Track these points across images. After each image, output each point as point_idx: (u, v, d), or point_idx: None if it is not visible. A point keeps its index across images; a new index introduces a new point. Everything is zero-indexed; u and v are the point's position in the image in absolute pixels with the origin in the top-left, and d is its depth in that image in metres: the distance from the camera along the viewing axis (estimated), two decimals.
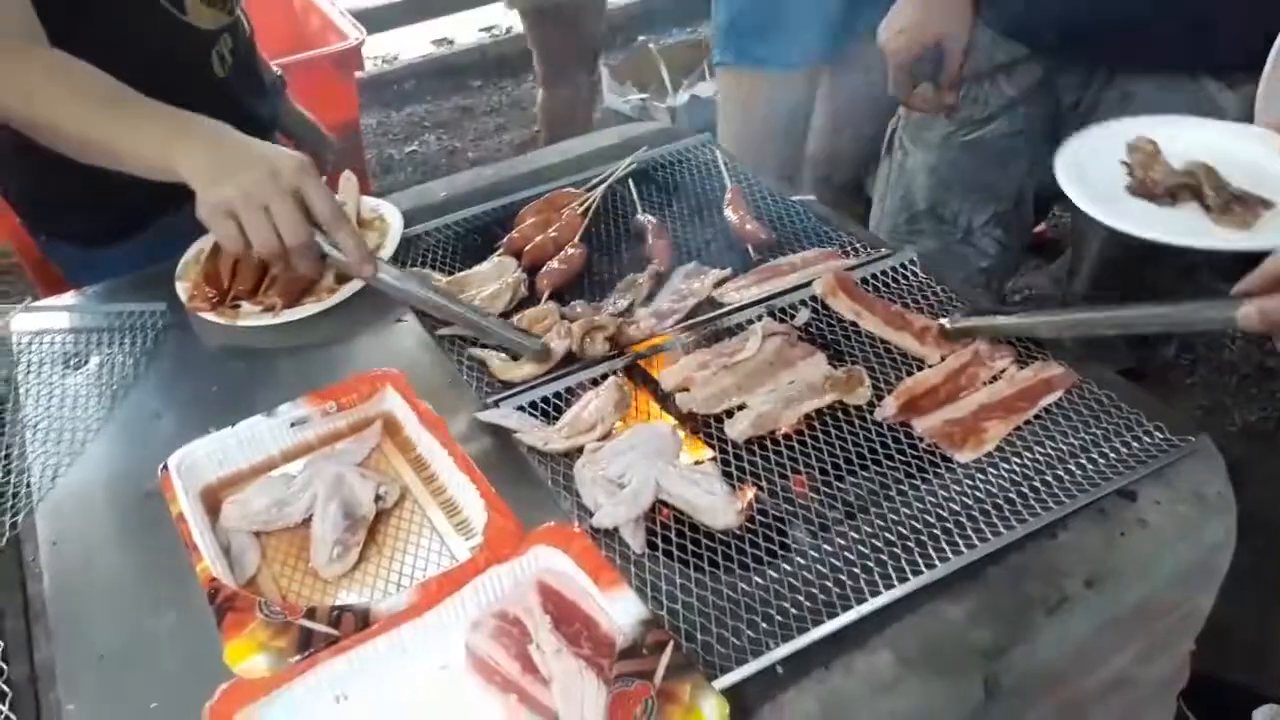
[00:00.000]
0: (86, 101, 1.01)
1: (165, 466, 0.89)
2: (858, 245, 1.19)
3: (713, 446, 0.95)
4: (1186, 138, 1.13)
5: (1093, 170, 1.10)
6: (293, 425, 0.94)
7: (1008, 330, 1.01)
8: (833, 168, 2.08)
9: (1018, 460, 0.88)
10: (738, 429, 0.95)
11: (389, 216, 1.25)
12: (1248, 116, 1.26)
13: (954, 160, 1.52)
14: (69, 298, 1.22)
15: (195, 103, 1.01)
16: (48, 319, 1.17)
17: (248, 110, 1.42)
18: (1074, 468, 0.87)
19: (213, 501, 0.90)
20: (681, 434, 0.97)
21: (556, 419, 0.97)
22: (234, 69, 1.34)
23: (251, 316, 1.12)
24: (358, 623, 0.74)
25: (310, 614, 0.74)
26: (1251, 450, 2.12)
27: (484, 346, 1.06)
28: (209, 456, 0.92)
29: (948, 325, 1.02)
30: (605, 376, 1.02)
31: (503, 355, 1.05)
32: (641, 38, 3.75)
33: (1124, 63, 1.32)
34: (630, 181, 1.34)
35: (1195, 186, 1.07)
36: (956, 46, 1.29)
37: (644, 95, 3.39)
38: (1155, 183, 1.07)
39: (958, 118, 1.46)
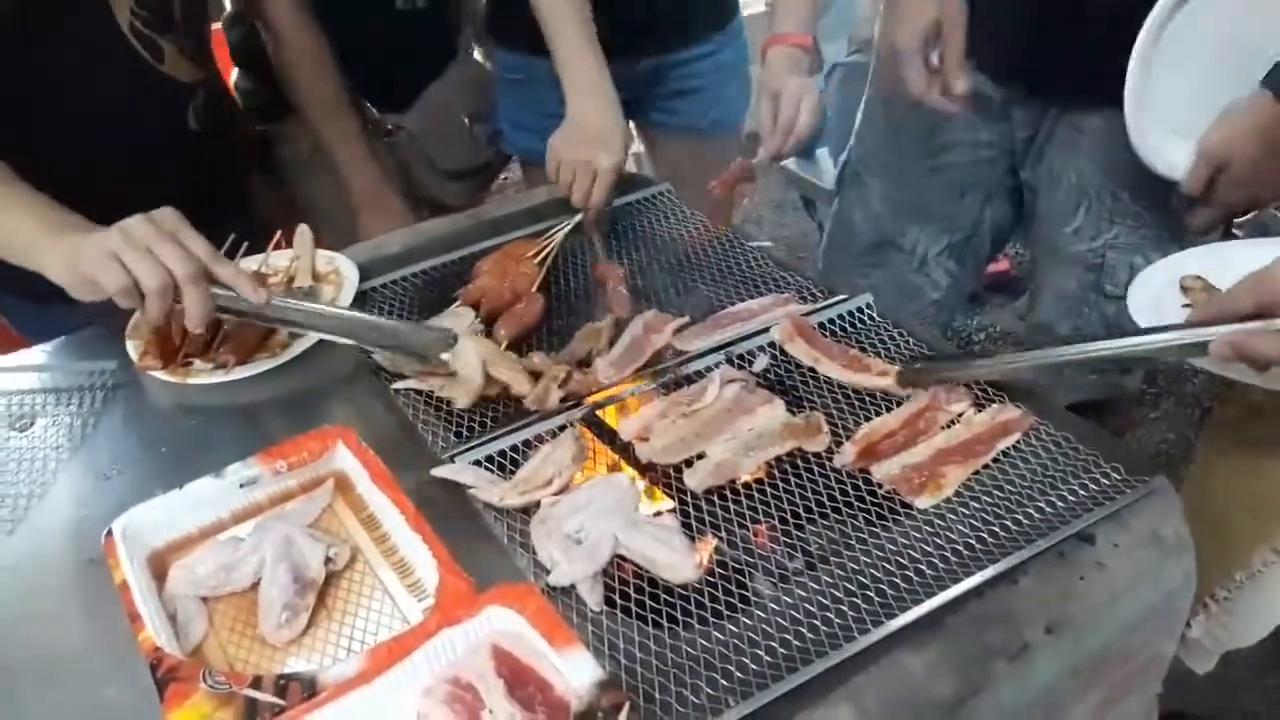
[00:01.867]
0: None
1: (109, 532, 0.86)
2: (815, 291, 1.19)
3: (672, 496, 0.94)
4: (1233, 262, 1.07)
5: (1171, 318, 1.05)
6: (242, 486, 0.92)
7: (963, 377, 1.01)
8: None
9: (976, 505, 0.88)
10: (697, 479, 0.94)
11: (344, 270, 1.24)
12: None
13: (913, 189, 1.54)
14: (15, 357, 1.20)
15: (170, 154, 1.01)
16: None
17: (220, 165, 1.43)
18: (1033, 511, 0.86)
19: (160, 567, 0.88)
20: (641, 485, 0.96)
21: (513, 473, 0.95)
22: (209, 124, 1.35)
23: (203, 374, 1.11)
24: (305, 691, 0.71)
25: (256, 683, 0.72)
26: None
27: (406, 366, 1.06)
28: (155, 520, 0.89)
29: (901, 374, 1.02)
30: (563, 428, 1.00)
31: (437, 382, 1.05)
32: None
33: (1075, 100, 1.35)
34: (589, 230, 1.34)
35: None
36: (955, 28, 1.28)
37: None
38: None
39: (921, 148, 1.48)
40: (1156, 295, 1.09)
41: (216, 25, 1.58)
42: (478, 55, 1.92)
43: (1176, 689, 0.97)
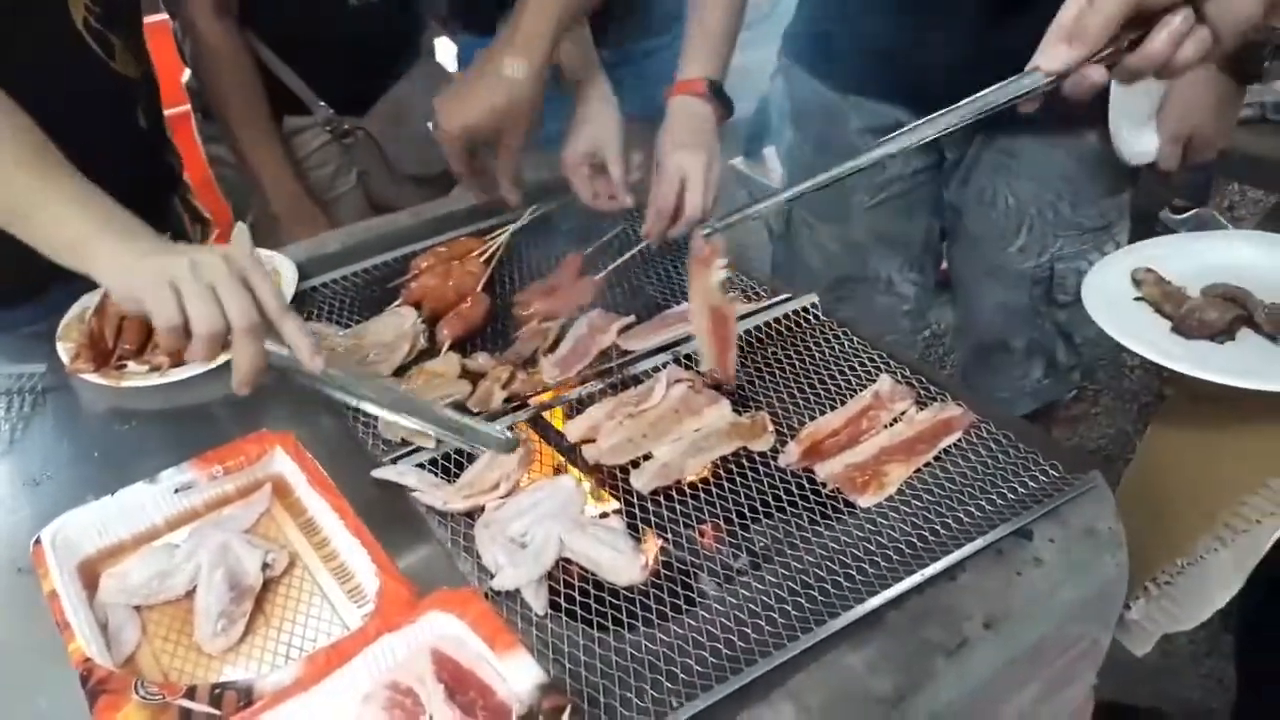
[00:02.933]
0: (16, 167, 0.91)
1: (38, 540, 0.84)
2: (759, 290, 1.20)
3: (619, 498, 0.93)
4: (1180, 254, 1.17)
5: (1128, 313, 1.11)
6: (176, 491, 0.90)
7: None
8: None
9: (918, 503, 0.89)
10: (643, 479, 0.93)
11: (282, 268, 1.21)
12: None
13: (865, 226, 1.54)
14: None
15: (120, 151, 0.97)
16: None
17: (164, 162, 1.40)
18: (973, 509, 0.87)
19: (90, 575, 0.85)
20: (587, 486, 0.96)
21: (458, 476, 0.94)
22: (153, 121, 1.32)
23: (137, 377, 1.08)
24: (241, 700, 0.70)
25: (190, 693, 0.70)
26: None
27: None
28: (87, 527, 0.87)
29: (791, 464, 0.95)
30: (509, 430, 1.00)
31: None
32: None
33: (1003, 122, 1.35)
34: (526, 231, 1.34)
35: (1246, 316, 1.07)
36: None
37: None
38: (1207, 324, 1.06)
39: (861, 186, 1.49)
40: (1110, 291, 1.13)
41: (151, 18, 1.54)
42: (439, 57, 1.90)
43: (1115, 677, 0.99)
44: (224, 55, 1.52)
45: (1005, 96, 0.79)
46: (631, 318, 1.15)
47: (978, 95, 0.81)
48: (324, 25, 1.60)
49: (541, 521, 0.87)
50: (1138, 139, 1.31)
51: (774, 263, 1.68)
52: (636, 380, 1.07)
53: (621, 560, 0.83)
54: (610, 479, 0.96)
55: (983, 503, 0.88)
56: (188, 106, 1.71)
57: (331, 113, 1.66)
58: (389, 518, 0.89)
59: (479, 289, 1.20)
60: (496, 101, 1.14)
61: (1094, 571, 0.85)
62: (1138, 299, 1.13)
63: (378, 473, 0.93)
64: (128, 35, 1.24)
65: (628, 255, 1.26)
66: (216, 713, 0.69)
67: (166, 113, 1.41)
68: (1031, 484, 0.90)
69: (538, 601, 0.81)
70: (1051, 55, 0.74)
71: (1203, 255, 1.18)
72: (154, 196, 1.34)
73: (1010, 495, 0.89)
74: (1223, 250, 1.19)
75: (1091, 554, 0.85)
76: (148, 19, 1.35)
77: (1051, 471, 0.91)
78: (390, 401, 0.97)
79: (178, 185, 1.44)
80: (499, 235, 1.30)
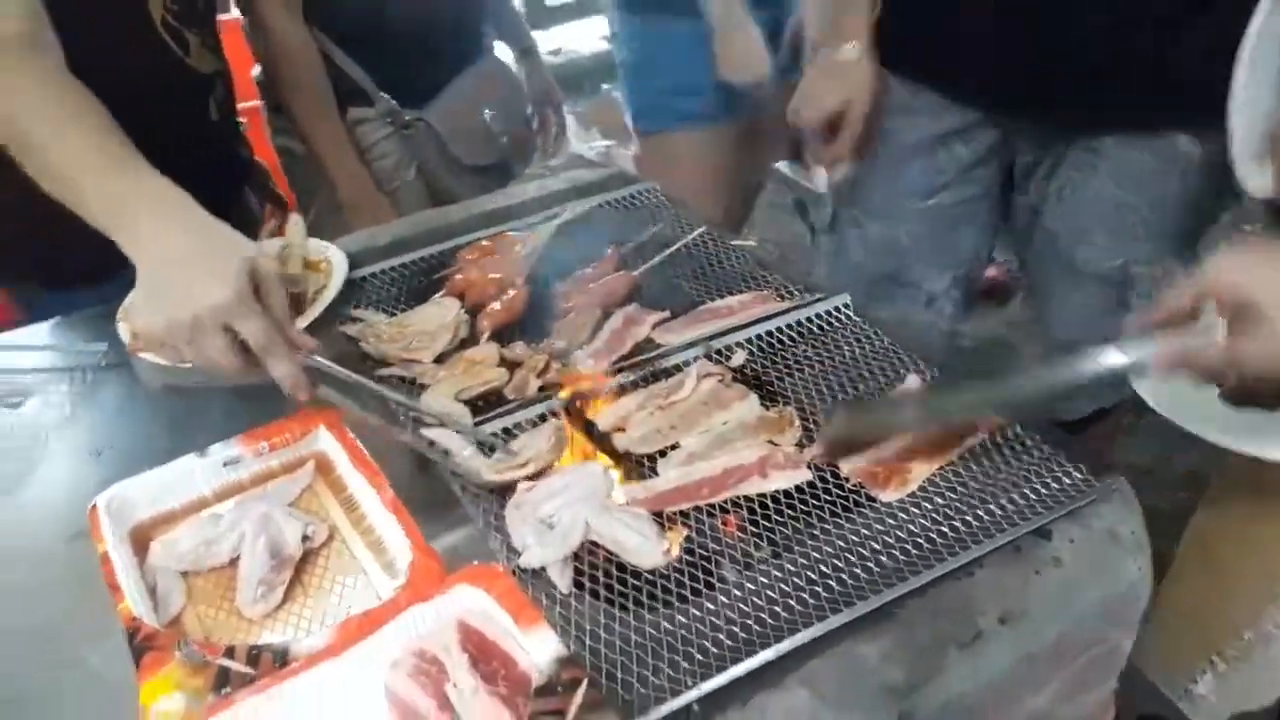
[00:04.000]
0: (67, 140, 0.95)
1: (94, 505, 0.89)
2: (793, 289, 1.21)
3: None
4: None
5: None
6: (225, 465, 0.94)
7: (889, 431, 0.95)
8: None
9: (940, 499, 0.90)
10: (670, 469, 0.96)
11: (334, 259, 1.26)
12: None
13: (911, 229, 1.52)
14: (9, 336, 1.22)
15: (190, 144, 1.01)
16: None
17: (233, 153, 1.46)
18: (994, 508, 0.88)
19: (142, 541, 0.90)
20: (616, 473, 0.98)
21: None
22: (224, 114, 1.38)
23: None
24: (276, 661, 0.74)
25: (229, 653, 0.74)
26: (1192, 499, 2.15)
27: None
28: (139, 496, 0.92)
29: (815, 458, 0.96)
30: (544, 417, 1.03)
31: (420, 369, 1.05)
32: (606, 85, 3.82)
33: (1088, 125, 1.34)
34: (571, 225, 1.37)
35: None
36: (855, 115, 1.35)
37: (608, 141, 3.44)
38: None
39: (918, 186, 1.48)
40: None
41: (224, 16, 1.60)
42: (499, 53, 1.95)
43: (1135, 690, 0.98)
44: (293, 50, 1.57)
45: (1071, 378, 0.83)
46: (666, 313, 1.18)
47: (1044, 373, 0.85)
48: (386, 19, 1.65)
49: (570, 505, 0.89)
50: (1261, 171, 1.17)
51: (817, 258, 1.69)
52: (668, 373, 1.10)
53: (646, 544, 0.86)
54: (639, 467, 0.98)
55: (1004, 502, 0.89)
56: (257, 101, 1.78)
57: (394, 104, 1.71)
58: (425, 497, 0.92)
59: (519, 281, 1.23)
60: (846, 86, 1.33)
61: (1115, 574, 0.85)
62: None
63: (425, 432, 0.96)
64: (203, 32, 1.30)
65: (665, 253, 1.29)
66: (252, 672, 0.73)
67: (240, 106, 1.46)
68: (1054, 485, 0.90)
69: (562, 580, 0.84)
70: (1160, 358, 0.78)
71: None
72: (225, 186, 1.40)
73: (1032, 496, 0.89)
74: None
75: (1113, 557, 0.86)
76: (221, 17, 1.41)
77: (1075, 474, 0.91)
78: (387, 416, 1.00)
79: (250, 175, 1.50)
80: (541, 229, 1.33)
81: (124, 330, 1.17)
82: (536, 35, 2.11)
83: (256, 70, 1.71)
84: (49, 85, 0.99)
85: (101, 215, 0.93)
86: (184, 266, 0.89)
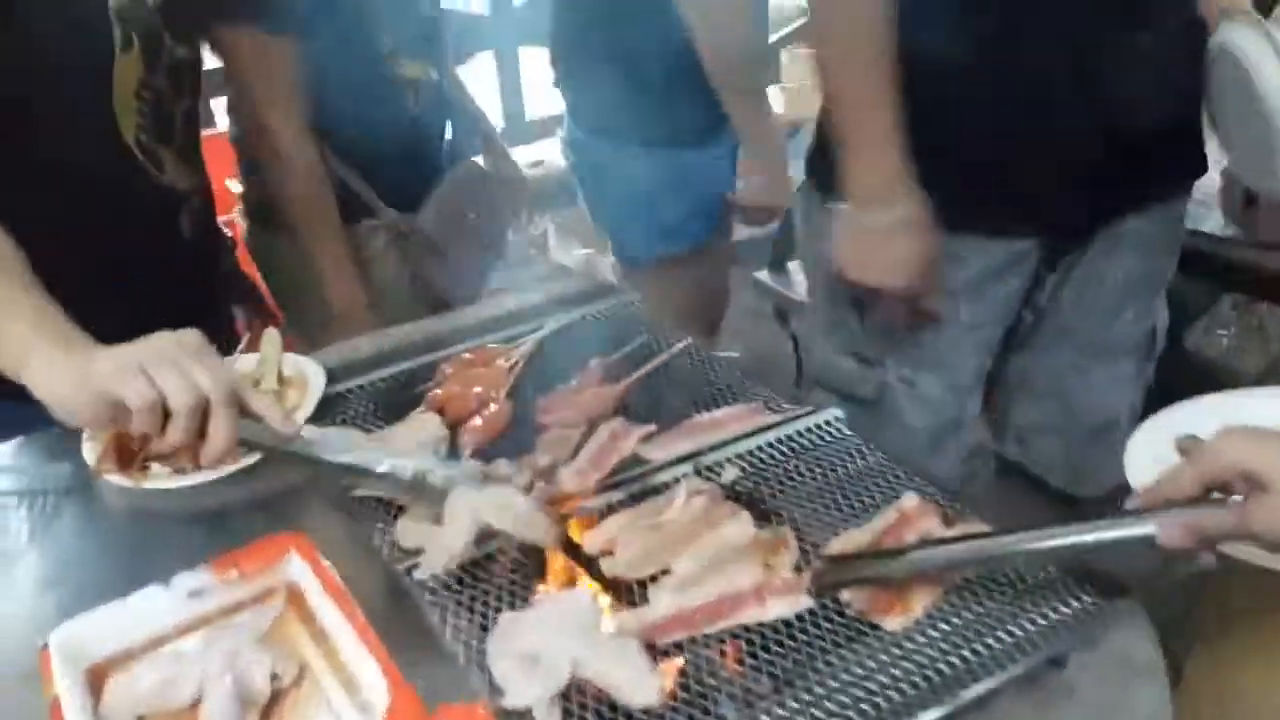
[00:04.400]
0: None
1: (45, 645, 0.83)
2: (780, 403, 1.19)
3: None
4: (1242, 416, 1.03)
5: None
6: (190, 596, 0.89)
7: (884, 577, 0.90)
8: None
9: (946, 626, 0.86)
10: (662, 599, 0.91)
11: (310, 374, 1.23)
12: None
13: (967, 368, 1.45)
14: None
15: (160, 260, 1.00)
16: None
17: (207, 270, 1.44)
18: (1003, 634, 0.84)
19: (98, 681, 0.84)
20: (605, 601, 0.93)
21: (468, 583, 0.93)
22: (199, 229, 1.36)
23: (160, 479, 1.08)
24: None
25: None
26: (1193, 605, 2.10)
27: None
28: (96, 632, 0.85)
29: (811, 590, 0.91)
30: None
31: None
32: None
33: (1119, 212, 1.34)
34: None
35: None
36: (919, 282, 1.26)
37: (588, 251, 3.47)
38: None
39: (960, 328, 1.40)
40: (1155, 456, 1.05)
41: (208, 132, 1.61)
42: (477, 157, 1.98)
43: None
44: (302, 165, 1.58)
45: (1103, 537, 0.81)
46: (653, 427, 1.15)
47: (1081, 527, 0.81)
48: (378, 130, 1.66)
49: (555, 635, 0.84)
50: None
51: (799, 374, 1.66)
52: (656, 490, 1.06)
53: (639, 680, 0.81)
54: (628, 593, 0.94)
55: (1012, 628, 0.85)
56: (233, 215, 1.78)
57: (395, 215, 1.72)
58: (402, 627, 0.88)
59: (502, 396, 1.20)
60: (902, 253, 1.21)
61: (1132, 704, 0.81)
62: None
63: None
64: (180, 147, 1.29)
65: (651, 365, 1.27)
66: None
67: (224, 218, 1.45)
68: (1063, 608, 0.87)
69: None
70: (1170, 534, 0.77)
71: (1258, 414, 1.00)
72: (197, 303, 1.37)
73: (1041, 620, 0.85)
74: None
75: (1129, 685, 0.82)
76: (206, 132, 1.41)
77: (1085, 596, 0.88)
78: (366, 464, 0.98)
79: (231, 288, 1.47)
80: (524, 342, 1.31)
81: (89, 451, 1.12)
82: (518, 150, 2.14)
83: (233, 184, 1.72)
84: None
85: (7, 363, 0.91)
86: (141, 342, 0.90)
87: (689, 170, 1.98)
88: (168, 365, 0.87)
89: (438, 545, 0.93)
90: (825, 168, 1.37)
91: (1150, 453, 1.03)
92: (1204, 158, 1.38)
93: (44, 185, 1.01)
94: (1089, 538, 0.81)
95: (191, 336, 0.90)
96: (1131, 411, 1.51)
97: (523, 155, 4.47)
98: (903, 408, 1.44)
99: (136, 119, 1.22)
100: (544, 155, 4.50)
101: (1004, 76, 1.20)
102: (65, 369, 0.89)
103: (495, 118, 2.76)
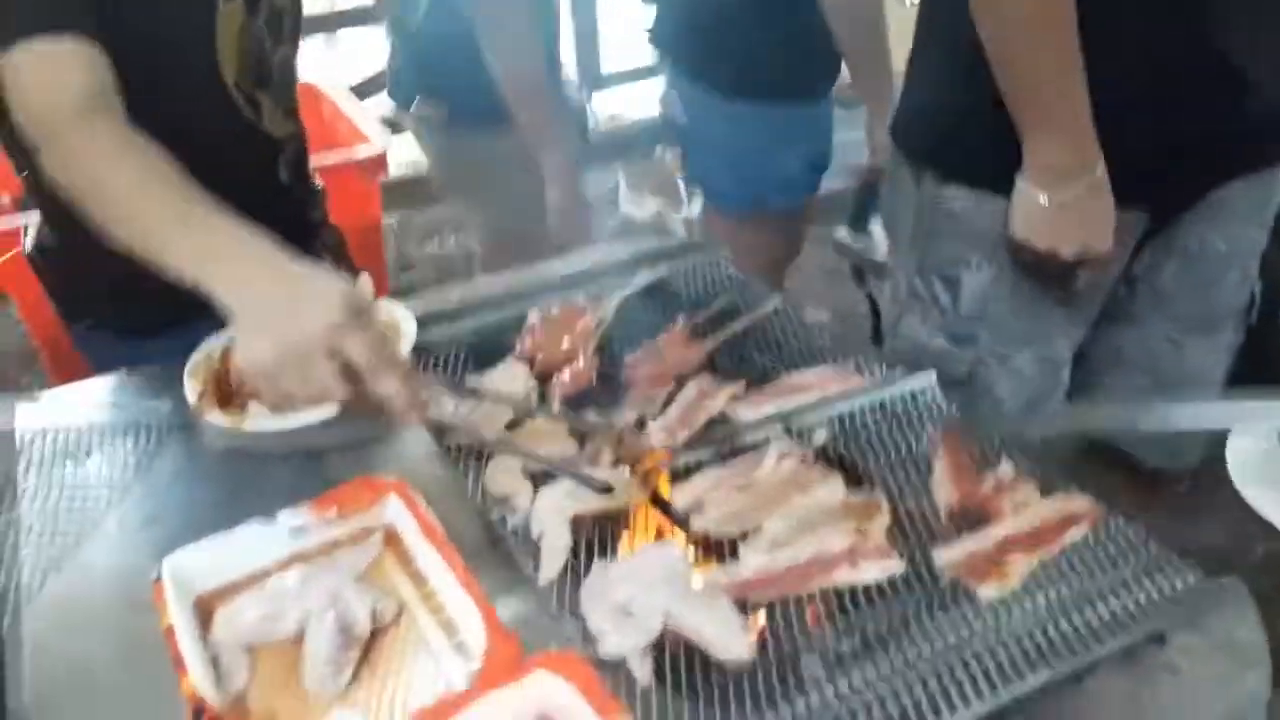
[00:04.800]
0: (149, 205, 0.95)
1: (158, 575, 0.86)
2: (872, 368, 1.18)
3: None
4: None
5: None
6: (291, 533, 0.91)
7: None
8: None
9: (1043, 598, 0.85)
10: (753, 555, 0.91)
11: (401, 321, 1.24)
12: None
13: (1058, 340, 1.42)
14: (75, 392, 1.21)
15: (259, 207, 1.01)
16: (52, 414, 1.16)
17: (304, 217, 1.46)
18: (1100, 609, 0.83)
19: (206, 611, 0.87)
20: (693, 556, 0.94)
21: None
22: (295, 177, 1.38)
23: (258, 420, 1.11)
24: None
25: None
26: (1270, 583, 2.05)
27: None
28: (204, 564, 0.89)
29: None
30: (609, 488, 0.98)
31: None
32: (659, 148, 3.84)
33: (1226, 179, 1.28)
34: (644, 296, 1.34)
35: None
36: (1096, 261, 1.24)
37: (659, 205, 3.44)
38: None
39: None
40: (1255, 456, 1.03)
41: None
42: None
43: None
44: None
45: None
46: (741, 385, 1.14)
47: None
48: None
49: (647, 589, 0.85)
50: None
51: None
52: (743, 449, 1.06)
53: (730, 635, 0.81)
54: (716, 549, 0.94)
55: (1111, 602, 0.84)
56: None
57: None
58: (496, 576, 0.89)
59: (589, 350, 1.20)
60: (1081, 235, 1.19)
61: (1234, 685, 0.79)
62: None
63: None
64: (277, 96, 1.30)
65: (740, 323, 1.26)
66: None
67: (327, 162, 1.47)
68: (1164, 585, 0.85)
69: (642, 671, 0.80)
70: None
71: None
72: (292, 247, 1.40)
73: (1141, 596, 0.84)
74: None
75: (1231, 666, 0.80)
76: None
77: (1186, 573, 0.86)
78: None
79: (319, 238, 1.49)
80: (612, 297, 1.31)
81: (190, 389, 1.15)
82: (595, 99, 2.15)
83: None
84: (125, 146, 0.99)
85: (190, 267, 0.91)
86: (287, 299, 0.87)
87: (797, 125, 1.95)
88: (293, 371, 0.86)
89: (548, 550, 0.93)
90: (941, 146, 1.34)
91: (1249, 452, 1.01)
92: None
93: (150, 129, 1.03)
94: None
95: (320, 328, 0.86)
96: (1222, 386, 1.46)
97: (596, 105, 4.47)
98: (995, 382, 1.40)
99: (237, 65, 1.23)
100: (615, 109, 4.49)
101: (1119, 47, 1.15)
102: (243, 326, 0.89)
103: (570, 68, 2.75)
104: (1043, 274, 1.27)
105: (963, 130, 1.29)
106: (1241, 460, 1.00)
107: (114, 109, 1.02)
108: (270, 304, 0.87)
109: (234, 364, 0.91)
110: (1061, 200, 1.17)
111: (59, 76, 0.99)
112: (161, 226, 0.94)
